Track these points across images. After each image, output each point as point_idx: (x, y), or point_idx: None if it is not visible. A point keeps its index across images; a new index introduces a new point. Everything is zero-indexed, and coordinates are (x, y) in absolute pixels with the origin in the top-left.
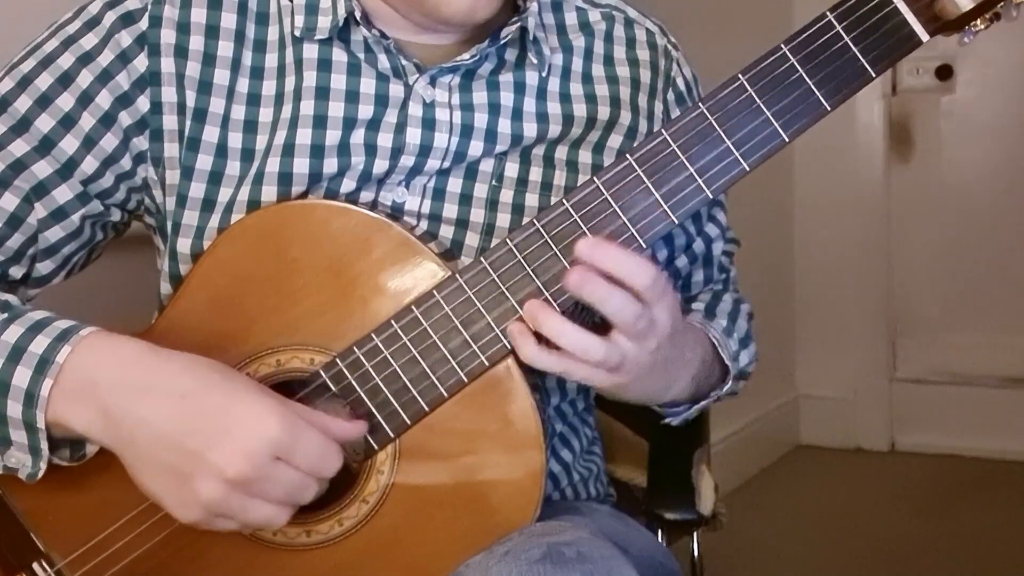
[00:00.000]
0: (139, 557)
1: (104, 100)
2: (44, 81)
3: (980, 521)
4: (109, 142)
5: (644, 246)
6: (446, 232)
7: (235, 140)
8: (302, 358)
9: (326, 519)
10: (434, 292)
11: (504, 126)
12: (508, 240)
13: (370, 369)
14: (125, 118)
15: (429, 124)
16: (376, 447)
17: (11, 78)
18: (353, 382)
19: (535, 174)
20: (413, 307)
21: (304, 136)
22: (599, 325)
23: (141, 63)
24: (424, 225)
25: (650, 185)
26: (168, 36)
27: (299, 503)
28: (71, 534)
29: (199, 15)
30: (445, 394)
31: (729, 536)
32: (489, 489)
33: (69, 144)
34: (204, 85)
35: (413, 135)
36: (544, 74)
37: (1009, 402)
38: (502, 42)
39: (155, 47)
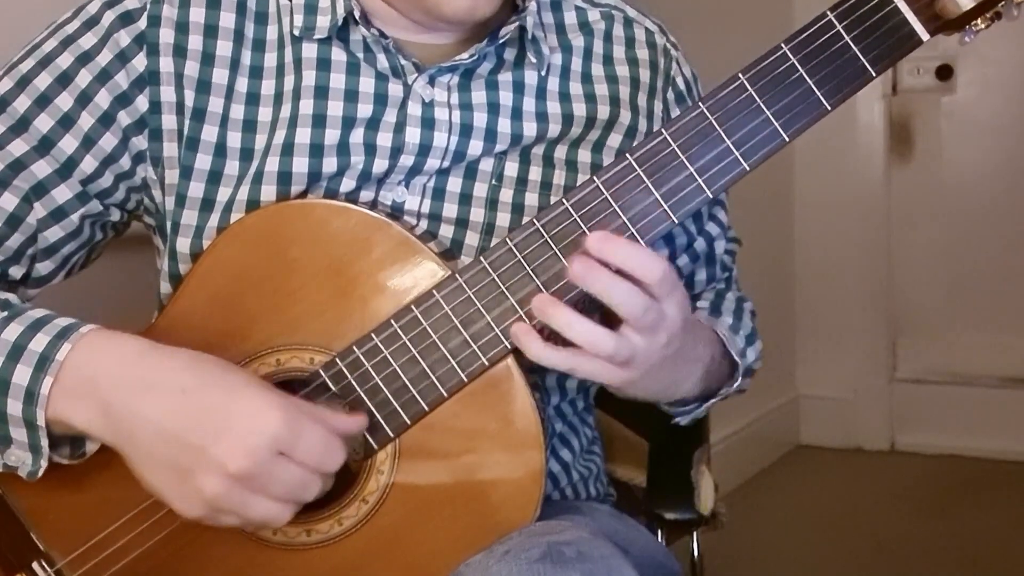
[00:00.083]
0: (139, 556)
1: (103, 100)
2: (43, 81)
3: (980, 521)
4: (108, 142)
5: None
6: (446, 232)
7: (234, 140)
8: (302, 357)
9: (326, 518)
10: (434, 292)
11: (503, 125)
12: (508, 240)
13: (370, 369)
14: (124, 118)
15: (428, 123)
16: (376, 446)
17: (10, 78)
18: (353, 382)
19: (535, 173)
20: (413, 307)
21: (303, 135)
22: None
23: (140, 62)
24: (424, 225)
25: (650, 184)
26: (167, 35)
27: (302, 500)
28: (71, 533)
29: (198, 14)
30: (445, 394)
31: (729, 536)
32: (489, 488)
33: (68, 144)
34: (203, 84)
35: (412, 134)
36: (543, 73)
37: (1009, 402)
38: (501, 41)
39: (154, 46)
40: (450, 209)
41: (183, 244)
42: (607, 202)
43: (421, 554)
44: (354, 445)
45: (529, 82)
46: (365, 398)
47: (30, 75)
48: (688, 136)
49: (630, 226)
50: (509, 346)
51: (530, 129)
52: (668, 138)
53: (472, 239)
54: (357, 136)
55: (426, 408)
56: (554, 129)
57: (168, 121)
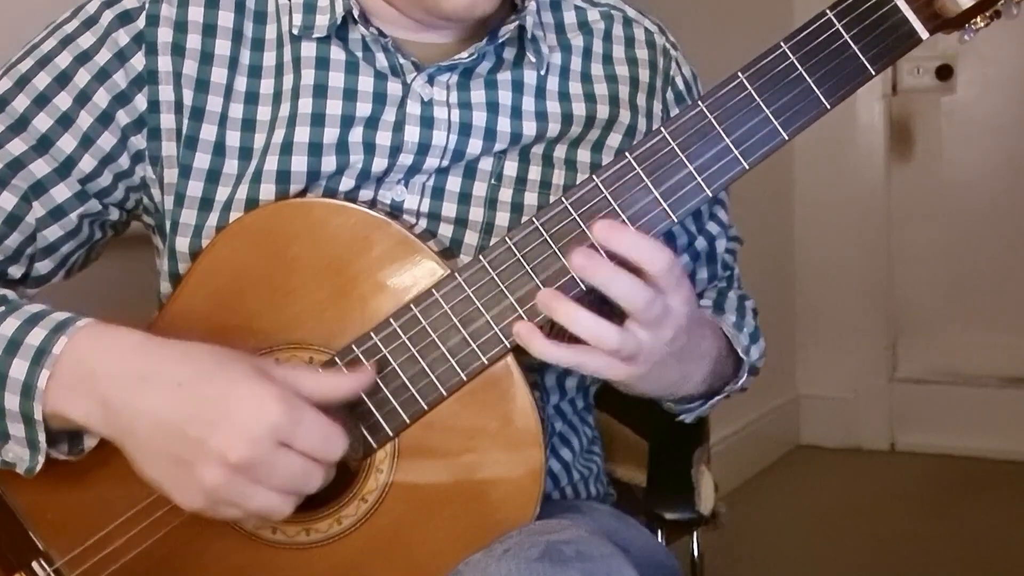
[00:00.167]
0: (138, 555)
1: (102, 99)
2: (42, 80)
3: (980, 521)
4: (107, 141)
5: None
6: (445, 231)
7: (233, 139)
8: (301, 356)
9: (325, 517)
10: (433, 291)
11: (503, 124)
12: (507, 238)
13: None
14: (123, 117)
15: (427, 122)
16: (375, 445)
17: (9, 78)
18: None
19: (534, 173)
20: (412, 305)
21: (302, 134)
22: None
23: (139, 62)
24: (423, 224)
25: (649, 183)
26: (165, 35)
27: (303, 492)
28: (70, 532)
29: (196, 14)
30: (444, 392)
31: (729, 536)
32: (488, 487)
33: (67, 143)
34: (202, 84)
35: (411, 133)
36: (543, 73)
37: (1009, 402)
38: (500, 41)
39: (152, 46)
40: (449, 208)
41: (182, 243)
42: (606, 201)
43: (421, 553)
44: (353, 445)
45: (528, 81)
46: (364, 396)
47: (29, 75)
48: (687, 135)
49: (629, 225)
50: (508, 345)
51: (529, 128)
52: (667, 137)
53: (471, 238)
54: (356, 135)
55: (425, 407)
56: (553, 128)
57: (167, 120)
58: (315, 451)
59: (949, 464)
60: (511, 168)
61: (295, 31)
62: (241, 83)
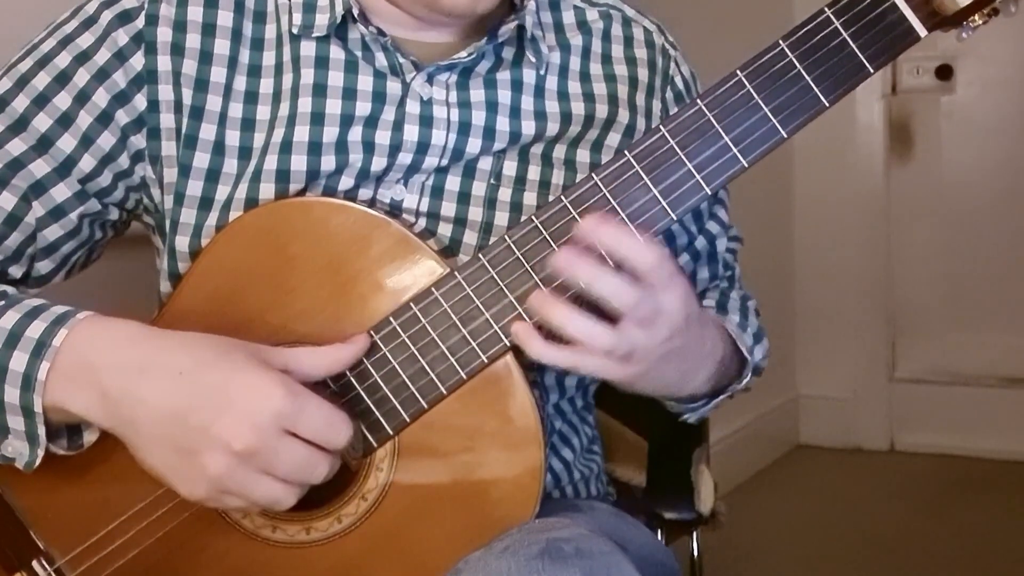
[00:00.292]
0: (139, 554)
1: (101, 99)
2: (41, 80)
3: (980, 521)
4: (107, 140)
5: None
6: (444, 230)
7: (232, 138)
8: None
9: (325, 516)
10: (433, 289)
11: (502, 124)
12: (507, 237)
13: (369, 366)
14: (122, 116)
15: (427, 121)
16: (375, 444)
17: (9, 78)
18: (352, 379)
19: (533, 172)
20: (412, 304)
21: (302, 133)
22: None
23: (138, 61)
24: (422, 223)
25: (648, 182)
26: (165, 34)
27: (307, 482)
28: (71, 531)
29: (196, 13)
30: (444, 391)
31: (729, 536)
32: (488, 486)
33: (67, 143)
34: (201, 83)
35: (411, 132)
36: (542, 72)
37: (1009, 402)
38: (500, 40)
39: (152, 45)
40: (448, 208)
41: (182, 243)
42: (605, 199)
43: (421, 551)
44: (353, 444)
45: (527, 81)
46: (364, 395)
47: (29, 75)
48: (686, 133)
49: (629, 223)
50: (508, 343)
51: (528, 128)
52: (666, 135)
53: (471, 238)
54: (355, 134)
55: (425, 406)
56: (552, 128)
57: (166, 120)
58: (319, 437)
59: (948, 464)
60: (510, 167)
61: (295, 30)
62: (240, 82)
